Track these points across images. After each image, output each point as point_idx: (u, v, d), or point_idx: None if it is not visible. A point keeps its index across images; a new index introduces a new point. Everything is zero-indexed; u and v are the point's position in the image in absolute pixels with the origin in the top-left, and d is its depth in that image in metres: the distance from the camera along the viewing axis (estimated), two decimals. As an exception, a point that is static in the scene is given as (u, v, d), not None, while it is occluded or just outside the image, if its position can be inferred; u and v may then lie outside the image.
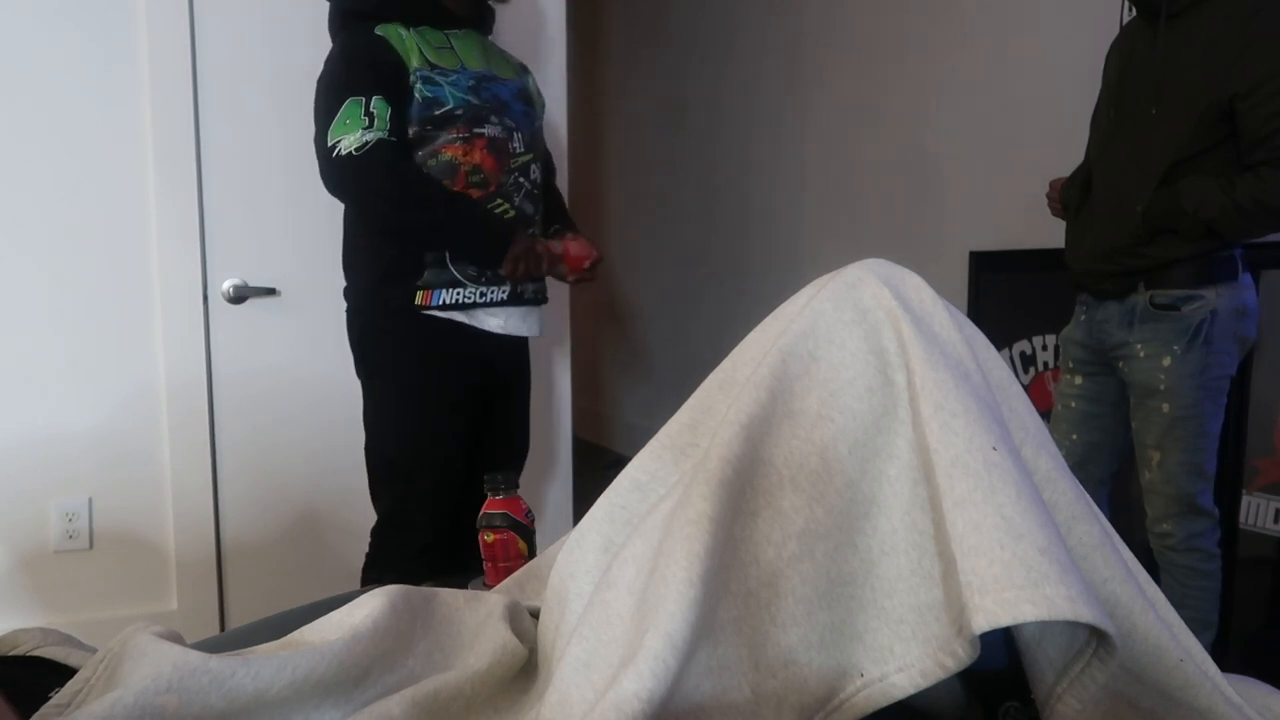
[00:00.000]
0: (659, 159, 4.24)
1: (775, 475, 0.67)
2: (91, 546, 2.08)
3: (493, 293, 1.73)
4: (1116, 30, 1.85)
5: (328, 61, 1.72)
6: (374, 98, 1.62)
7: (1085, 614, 0.55)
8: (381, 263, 1.71)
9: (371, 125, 1.61)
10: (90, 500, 2.07)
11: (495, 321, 1.75)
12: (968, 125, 2.68)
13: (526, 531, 1.23)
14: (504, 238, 1.70)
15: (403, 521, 1.75)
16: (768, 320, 0.78)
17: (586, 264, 1.83)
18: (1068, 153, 2.00)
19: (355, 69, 1.66)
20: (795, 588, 0.64)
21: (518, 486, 1.26)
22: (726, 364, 0.77)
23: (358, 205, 1.70)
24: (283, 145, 2.14)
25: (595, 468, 3.68)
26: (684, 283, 4.08)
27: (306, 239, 2.16)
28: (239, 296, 2.13)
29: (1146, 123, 1.66)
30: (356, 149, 1.60)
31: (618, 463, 0.83)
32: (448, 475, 1.75)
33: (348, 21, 1.74)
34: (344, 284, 1.82)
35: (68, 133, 2.01)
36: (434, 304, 1.69)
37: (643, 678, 0.57)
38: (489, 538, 1.22)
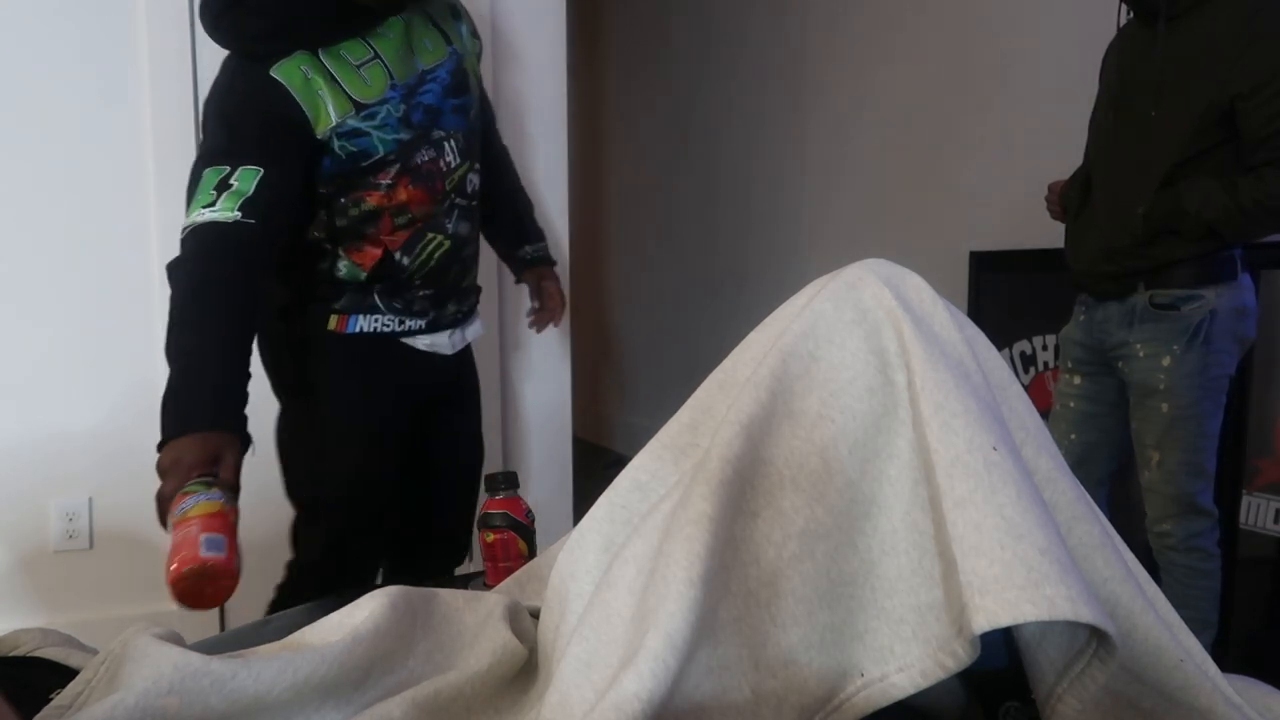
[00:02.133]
0: (659, 158, 4.24)
1: (775, 475, 0.67)
2: (91, 546, 2.08)
3: (413, 321, 1.50)
4: (1114, 31, 1.86)
5: (206, 105, 1.36)
6: (241, 168, 1.27)
7: (1086, 614, 0.55)
8: (295, 279, 1.45)
9: (214, 202, 1.25)
10: (90, 500, 2.07)
11: (422, 340, 1.53)
12: (968, 126, 2.68)
13: (526, 531, 1.23)
14: (176, 422, 1.21)
15: (338, 560, 1.51)
16: (768, 320, 0.78)
17: (179, 569, 1.06)
18: (1067, 153, 2.00)
19: (230, 129, 1.30)
20: (795, 588, 0.64)
21: (518, 486, 1.27)
22: (727, 364, 0.77)
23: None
24: (282, 145, 2.14)
25: (595, 468, 3.68)
26: (684, 282, 4.08)
27: (306, 239, 2.16)
28: (239, 297, 2.13)
29: (1147, 124, 1.66)
30: (184, 230, 1.26)
31: (618, 463, 0.82)
32: (384, 510, 1.54)
33: (238, 56, 1.36)
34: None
35: (68, 132, 2.01)
36: (349, 331, 1.45)
37: (643, 678, 0.57)
38: (489, 538, 1.22)
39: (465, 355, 1.66)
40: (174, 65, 2.06)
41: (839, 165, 3.18)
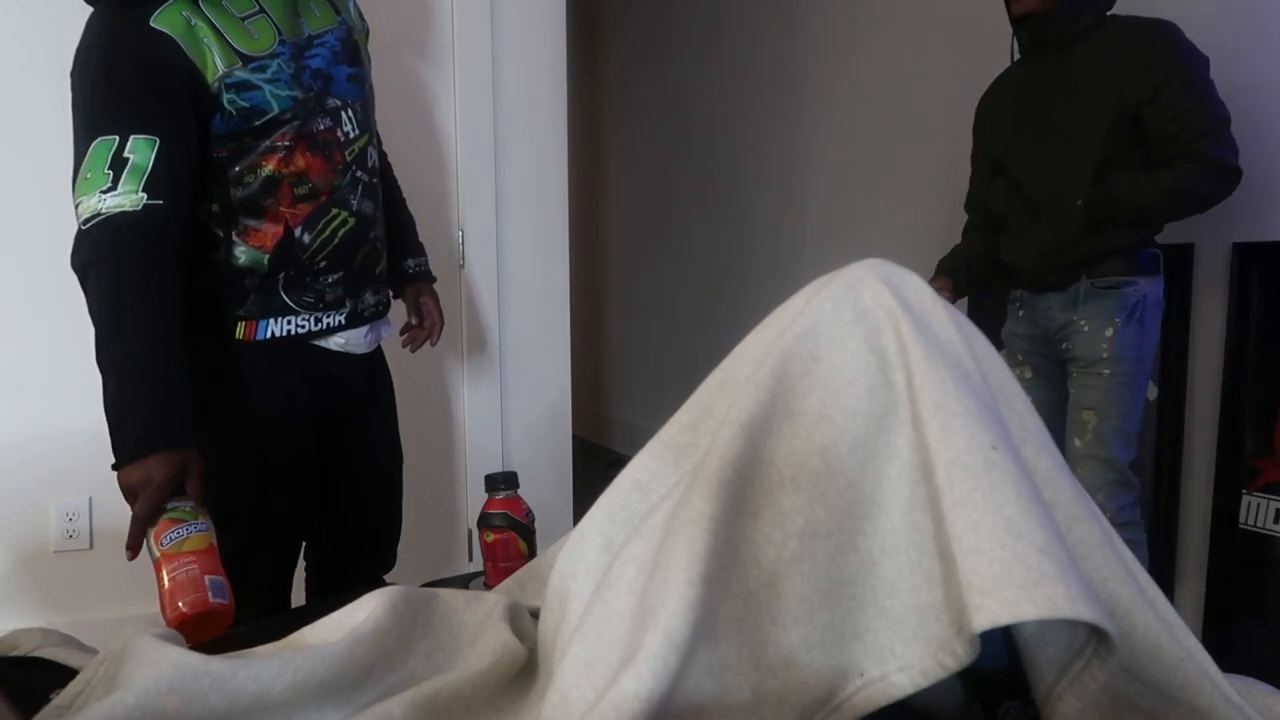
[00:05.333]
0: (660, 158, 4.24)
1: (776, 475, 0.67)
2: (91, 546, 2.08)
3: (330, 317, 1.39)
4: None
5: (74, 66, 1.22)
6: (134, 138, 1.17)
7: (1085, 613, 0.55)
8: (195, 285, 1.30)
9: (114, 185, 1.16)
10: (90, 500, 2.07)
11: (335, 341, 1.42)
12: (968, 127, 2.68)
13: (526, 531, 1.23)
14: (143, 439, 1.18)
15: (241, 573, 1.28)
16: (768, 320, 0.78)
17: (189, 612, 1.03)
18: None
19: (112, 89, 1.19)
20: (796, 588, 0.64)
21: (518, 486, 1.27)
22: (727, 364, 0.77)
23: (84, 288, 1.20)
24: (282, 145, 2.14)
25: (595, 468, 3.68)
26: (684, 282, 4.08)
27: (306, 239, 2.16)
28: (239, 297, 2.12)
29: (1061, 132, 1.84)
30: (83, 223, 1.16)
31: (618, 463, 0.82)
32: (292, 520, 1.44)
33: (109, 7, 1.22)
34: None
35: (68, 132, 2.01)
36: (259, 338, 1.34)
37: (643, 677, 0.57)
38: (489, 538, 1.22)
39: (378, 355, 1.55)
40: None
41: (839, 165, 3.18)
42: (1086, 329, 1.82)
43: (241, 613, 1.10)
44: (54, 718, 0.66)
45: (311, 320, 1.38)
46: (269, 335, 1.35)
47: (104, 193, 1.16)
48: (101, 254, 1.17)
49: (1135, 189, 1.75)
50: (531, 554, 1.22)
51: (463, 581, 1.28)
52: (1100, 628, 0.56)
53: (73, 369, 2.04)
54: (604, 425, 4.73)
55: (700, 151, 3.93)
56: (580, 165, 4.59)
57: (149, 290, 1.19)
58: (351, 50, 1.42)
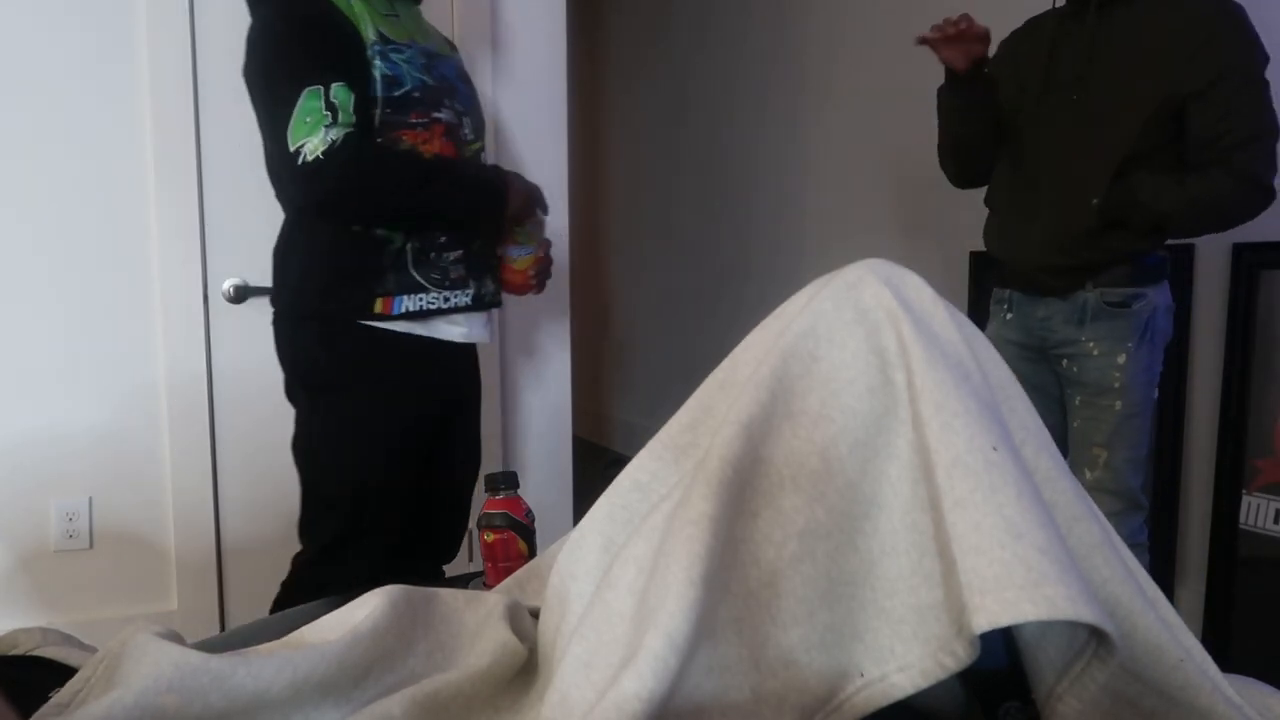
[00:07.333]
0: (660, 158, 4.24)
1: (776, 475, 0.67)
2: (91, 546, 2.08)
3: (456, 297, 1.53)
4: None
5: (262, 38, 1.44)
6: (334, 85, 1.38)
7: (1085, 613, 0.55)
8: (330, 264, 1.48)
9: (335, 120, 1.37)
10: (90, 500, 2.07)
11: (458, 330, 1.56)
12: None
13: (526, 531, 1.23)
14: (499, 188, 1.54)
15: (341, 558, 1.54)
16: (768, 320, 0.78)
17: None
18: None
19: (306, 48, 1.39)
20: (796, 588, 0.64)
21: (518, 486, 1.26)
22: (727, 364, 0.77)
23: (336, 213, 1.46)
24: (283, 145, 2.14)
25: (595, 468, 3.68)
26: (685, 282, 4.08)
27: (306, 239, 2.16)
28: (239, 296, 2.13)
29: (1090, 112, 1.66)
30: (324, 152, 1.37)
31: (618, 463, 0.83)
32: (402, 507, 1.57)
33: None
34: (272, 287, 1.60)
35: (68, 132, 2.01)
36: (395, 312, 1.48)
37: (643, 678, 0.57)
38: (489, 538, 1.22)
39: (476, 357, 1.71)
40: (174, 65, 2.06)
41: (839, 165, 3.18)
42: (1096, 353, 1.68)
43: (335, 598, 1.18)
44: (53, 716, 0.66)
45: (440, 299, 1.52)
46: (404, 310, 1.48)
47: (327, 127, 1.37)
48: (353, 158, 1.39)
49: (1158, 196, 1.59)
50: (531, 554, 1.22)
51: (463, 581, 1.28)
52: (1100, 628, 0.56)
53: (73, 370, 2.04)
54: (604, 425, 4.73)
55: (701, 151, 3.93)
56: (580, 165, 4.59)
57: (400, 165, 1.46)
58: (466, 78, 1.65)
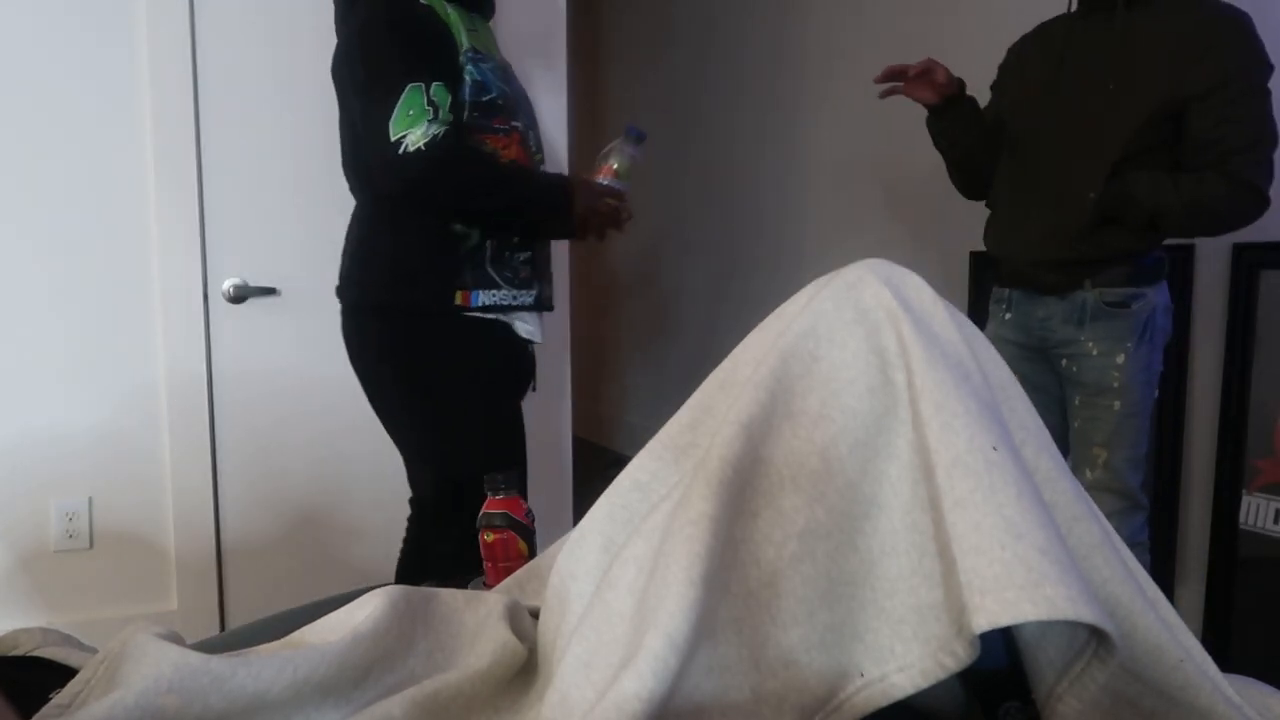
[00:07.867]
0: (660, 157, 4.24)
1: (776, 475, 0.67)
2: (91, 546, 2.08)
3: (523, 295, 1.64)
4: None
5: (366, 35, 1.53)
6: (434, 84, 1.48)
7: (1085, 614, 0.55)
8: (413, 260, 1.58)
9: (436, 116, 1.47)
10: (90, 500, 2.07)
11: (526, 328, 1.67)
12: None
13: (526, 531, 1.23)
14: (567, 193, 1.63)
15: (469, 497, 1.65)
16: (768, 320, 0.78)
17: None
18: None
19: (410, 48, 1.50)
20: (796, 588, 0.64)
21: (518, 486, 1.26)
22: (727, 364, 0.77)
23: (426, 203, 1.55)
24: (284, 144, 2.14)
25: (595, 468, 3.68)
26: (686, 282, 4.08)
27: (307, 239, 2.16)
28: (239, 296, 2.13)
29: (1096, 113, 1.68)
30: (425, 144, 1.46)
31: (618, 463, 0.83)
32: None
33: None
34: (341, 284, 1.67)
35: (68, 133, 2.01)
36: (473, 305, 1.58)
37: (643, 678, 0.57)
38: (489, 537, 1.21)
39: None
40: (174, 65, 2.06)
41: (839, 165, 3.18)
42: (1095, 353, 1.70)
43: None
44: (54, 717, 0.66)
45: (510, 296, 1.62)
46: (481, 304, 1.58)
47: (430, 122, 1.47)
48: (451, 153, 1.49)
49: (1154, 194, 1.61)
50: (531, 554, 1.22)
51: (463, 581, 1.28)
52: (1100, 628, 0.56)
53: (73, 369, 2.04)
54: (604, 425, 4.73)
55: (701, 150, 3.93)
56: (580, 165, 4.58)
57: (486, 163, 1.57)
58: (528, 98, 1.75)
